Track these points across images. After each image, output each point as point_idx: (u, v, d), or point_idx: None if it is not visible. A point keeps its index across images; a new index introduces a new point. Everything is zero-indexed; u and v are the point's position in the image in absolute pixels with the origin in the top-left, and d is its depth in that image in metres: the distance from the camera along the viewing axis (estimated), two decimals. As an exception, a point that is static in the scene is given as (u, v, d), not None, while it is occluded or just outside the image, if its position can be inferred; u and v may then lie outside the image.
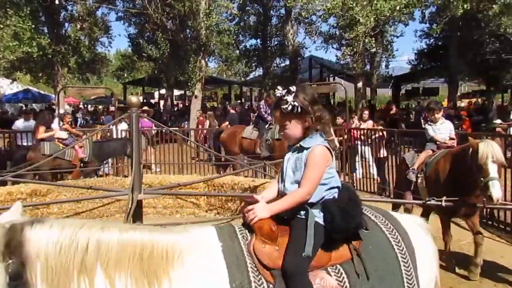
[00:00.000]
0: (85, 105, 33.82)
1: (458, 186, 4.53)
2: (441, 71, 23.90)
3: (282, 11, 22.52)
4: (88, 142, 8.78)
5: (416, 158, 5.53)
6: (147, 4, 17.03)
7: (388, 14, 15.22)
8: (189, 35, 18.72)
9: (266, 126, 9.04)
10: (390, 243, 2.37)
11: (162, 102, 30.40)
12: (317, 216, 2.27)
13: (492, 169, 4.06)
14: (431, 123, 5.64)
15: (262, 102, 9.80)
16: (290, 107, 2.25)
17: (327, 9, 15.59)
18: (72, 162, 8.53)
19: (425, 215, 5.50)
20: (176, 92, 31.93)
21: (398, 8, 15.11)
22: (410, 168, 5.46)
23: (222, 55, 21.04)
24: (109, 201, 7.12)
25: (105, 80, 38.36)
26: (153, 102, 33.09)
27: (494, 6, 16.96)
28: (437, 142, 5.49)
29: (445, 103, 22.56)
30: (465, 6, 16.50)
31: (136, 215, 4.62)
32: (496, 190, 4.00)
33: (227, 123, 14.36)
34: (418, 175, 5.30)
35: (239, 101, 34.80)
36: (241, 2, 21.79)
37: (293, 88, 2.31)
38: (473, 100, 29.76)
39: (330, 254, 2.26)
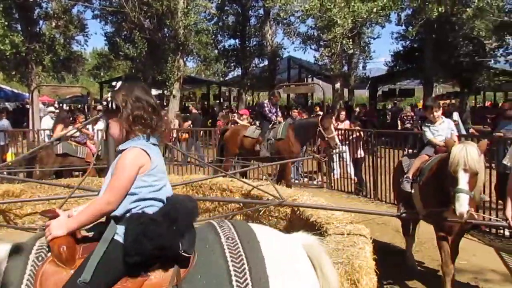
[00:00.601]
0: (60, 104, 33.19)
1: (446, 196, 3.85)
2: (416, 72, 24.32)
3: (261, 11, 22.57)
4: (100, 139, 8.83)
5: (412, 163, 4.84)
6: (124, 2, 16.81)
7: (365, 16, 15.42)
8: (167, 34, 18.56)
9: (270, 125, 8.78)
10: (228, 273, 1.93)
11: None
12: (119, 233, 1.88)
13: (462, 179, 3.52)
14: (429, 124, 4.98)
15: (266, 101, 9.55)
16: (105, 104, 2.02)
17: (305, 10, 15.68)
18: (86, 159, 8.47)
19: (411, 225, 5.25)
20: (154, 92, 31.54)
21: (375, 10, 15.32)
22: (404, 176, 4.78)
23: (200, 54, 20.92)
24: (84, 201, 6.97)
25: (81, 79, 37.74)
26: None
27: (467, 9, 17.37)
28: (436, 146, 4.77)
29: (420, 104, 23.01)
30: (440, 9, 16.87)
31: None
32: (460, 204, 3.48)
33: (189, 122, 14.20)
34: (413, 183, 4.61)
35: (217, 101, 34.82)
36: (219, 2, 21.73)
37: (117, 84, 2.06)
38: (448, 101, 30.48)
39: (141, 282, 1.87)
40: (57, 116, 9.83)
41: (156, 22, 17.93)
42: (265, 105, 9.18)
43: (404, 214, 4.60)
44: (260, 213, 6.18)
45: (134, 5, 16.76)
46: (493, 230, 6.08)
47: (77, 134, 8.72)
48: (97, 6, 21.42)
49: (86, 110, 21.79)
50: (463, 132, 12.74)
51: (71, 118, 10.01)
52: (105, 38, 23.18)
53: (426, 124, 5.05)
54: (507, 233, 5.98)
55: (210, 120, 20.08)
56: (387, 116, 23.22)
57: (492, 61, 21.92)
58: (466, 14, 17.33)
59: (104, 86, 34.26)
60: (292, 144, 8.29)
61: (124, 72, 26.65)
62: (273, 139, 8.48)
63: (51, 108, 15.27)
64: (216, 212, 7.08)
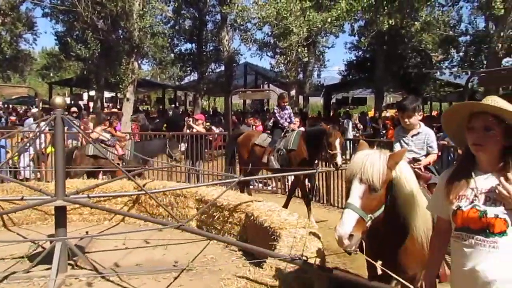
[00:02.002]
0: (5, 105, 31.66)
1: None
2: (368, 82, 25.17)
3: (218, 17, 22.58)
4: (130, 142, 9.11)
5: None
6: (76, 1, 16.29)
7: (320, 26, 15.79)
8: (121, 36, 18.15)
9: (282, 133, 7.80)
10: None
11: (91, 104, 29.20)
12: None
13: (353, 191, 2.46)
14: (402, 133, 3.93)
15: (276, 107, 8.41)
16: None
17: (261, 17, 15.84)
18: (114, 161, 8.61)
19: None
20: (107, 94, 30.83)
21: (329, 20, 15.71)
22: None
23: (156, 57, 20.61)
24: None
25: (28, 79, 36.19)
26: (81, 104, 31.69)
27: (416, 23, 18.22)
28: None
29: (371, 113, 23.82)
30: (390, 22, 17.58)
31: (58, 222, 4.38)
32: (341, 223, 2.37)
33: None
34: None
35: (173, 105, 34.41)
36: (176, 5, 21.54)
37: None
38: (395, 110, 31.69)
39: None
40: (97, 117, 10.00)
41: (110, 23, 17.50)
42: (275, 110, 8.13)
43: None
44: (215, 219, 6.17)
45: (87, 4, 16.27)
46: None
47: (108, 137, 8.92)
48: (48, 4, 20.66)
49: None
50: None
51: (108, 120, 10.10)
52: (56, 38, 22.44)
53: (399, 133, 3.99)
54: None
55: (165, 125, 19.79)
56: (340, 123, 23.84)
57: (438, 73, 23.08)
58: (414, 28, 18.17)
59: (54, 87, 33.04)
60: (303, 156, 7.39)
61: (75, 73, 25.84)
62: (284, 149, 7.55)
63: (35, 110, 14.53)
64: (166, 219, 6.99)
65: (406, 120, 3.80)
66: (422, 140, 3.81)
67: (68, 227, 4.95)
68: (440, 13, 19.16)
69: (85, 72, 22.08)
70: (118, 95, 26.43)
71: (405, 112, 3.79)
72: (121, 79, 17.29)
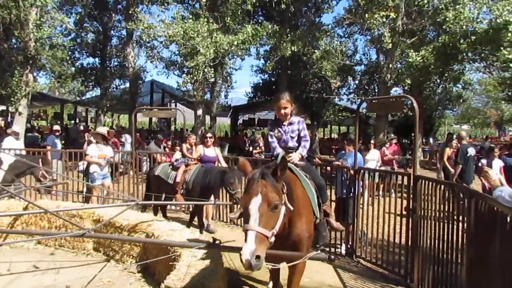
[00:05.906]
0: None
1: None
2: (273, 104, 26.13)
3: (123, 32, 22.04)
4: (195, 167, 7.89)
5: None
6: (-38, 5, 14.84)
7: (226, 48, 16.12)
8: (14, 46, 16.86)
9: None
10: None
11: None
12: None
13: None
14: None
15: (270, 125, 5.06)
16: None
17: (168, 36, 15.78)
18: (174, 185, 7.89)
19: None
20: (-4, 108, 28.24)
21: (235, 43, 16.13)
22: None
23: (54, 71, 19.45)
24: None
25: None
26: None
27: (316, 51, 19.45)
28: None
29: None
30: (293, 48, 18.59)
31: None
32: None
33: None
34: None
35: (73, 121, 32.51)
36: (78, 17, 20.61)
37: None
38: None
39: None
40: (185, 135, 9.17)
41: (2, 31, 16.19)
42: (270, 128, 4.85)
43: None
44: (113, 240, 5.92)
45: (-25, 10, 14.89)
46: (332, 249, 6.75)
47: (179, 156, 8.30)
48: None
49: None
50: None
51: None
52: None
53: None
54: (343, 251, 6.70)
55: (63, 141, 18.55)
56: (246, 144, 24.36)
57: (337, 99, 24.77)
58: (315, 55, 19.37)
59: None
60: None
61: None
62: None
63: (16, 128, 12.30)
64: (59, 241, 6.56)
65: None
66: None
67: None
68: (338, 43, 20.71)
69: (-31, 83, 20.02)
70: (10, 108, 24.34)
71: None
72: (13, 91, 15.99)
